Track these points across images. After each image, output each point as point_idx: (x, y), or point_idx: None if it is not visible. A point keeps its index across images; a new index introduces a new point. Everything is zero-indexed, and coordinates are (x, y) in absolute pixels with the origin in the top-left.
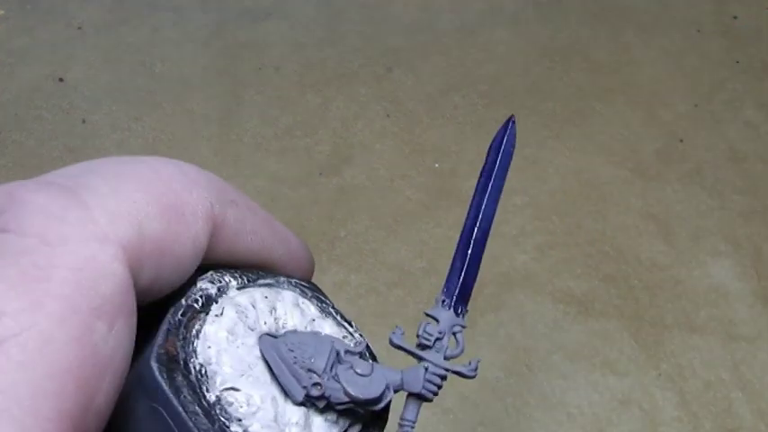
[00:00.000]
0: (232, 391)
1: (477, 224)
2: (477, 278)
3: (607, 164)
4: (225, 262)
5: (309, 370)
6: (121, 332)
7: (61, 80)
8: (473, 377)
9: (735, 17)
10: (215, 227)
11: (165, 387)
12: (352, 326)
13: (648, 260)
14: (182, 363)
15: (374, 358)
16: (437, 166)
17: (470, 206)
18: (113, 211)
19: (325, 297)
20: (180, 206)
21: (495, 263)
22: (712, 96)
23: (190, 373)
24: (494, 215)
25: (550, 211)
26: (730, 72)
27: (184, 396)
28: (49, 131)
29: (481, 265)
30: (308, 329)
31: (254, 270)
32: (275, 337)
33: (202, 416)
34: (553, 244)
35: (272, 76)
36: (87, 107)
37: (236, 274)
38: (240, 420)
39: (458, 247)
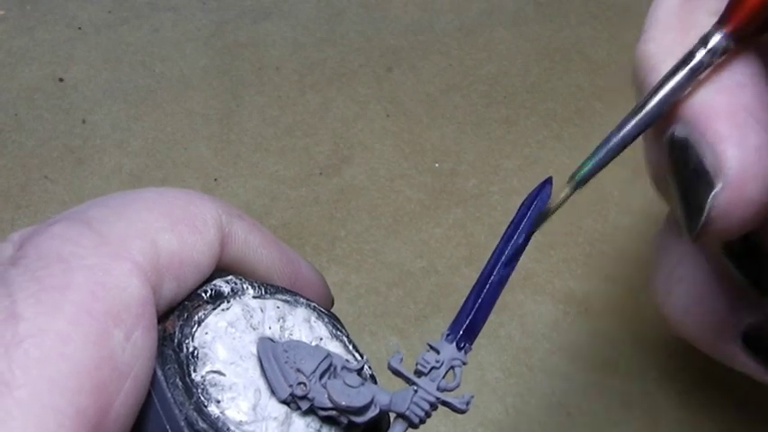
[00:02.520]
0: (217, 375)
1: (497, 269)
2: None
3: None
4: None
5: (298, 370)
6: (140, 342)
7: (61, 80)
8: (464, 411)
9: None
10: (224, 236)
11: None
12: (363, 357)
13: (649, 260)
14: (176, 341)
15: (374, 381)
16: (437, 166)
17: (494, 251)
18: (124, 233)
19: (343, 326)
20: (189, 217)
21: None
22: None
23: (181, 351)
24: (515, 265)
25: None
26: None
27: (169, 368)
28: (49, 131)
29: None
30: (314, 345)
31: (276, 286)
32: (275, 342)
33: (182, 389)
34: (553, 244)
35: (272, 76)
36: (87, 107)
37: (256, 285)
38: (219, 402)
39: (473, 286)
